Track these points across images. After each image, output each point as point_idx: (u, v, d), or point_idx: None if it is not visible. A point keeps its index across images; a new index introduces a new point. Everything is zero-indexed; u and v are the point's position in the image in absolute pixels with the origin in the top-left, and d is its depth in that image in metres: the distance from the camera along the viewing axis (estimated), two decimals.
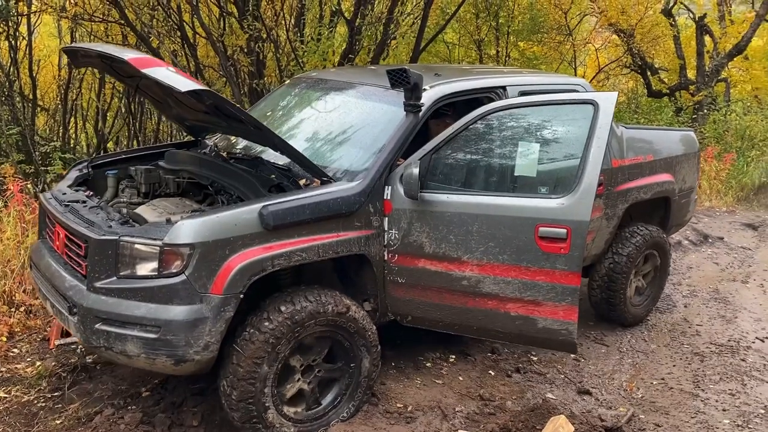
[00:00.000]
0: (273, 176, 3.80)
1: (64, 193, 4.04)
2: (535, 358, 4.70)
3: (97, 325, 3.23)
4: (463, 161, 3.90)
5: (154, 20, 10.43)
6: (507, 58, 15.10)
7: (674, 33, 14.25)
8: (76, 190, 4.11)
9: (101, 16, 10.56)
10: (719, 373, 4.66)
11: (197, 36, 11.19)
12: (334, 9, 9.60)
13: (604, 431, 3.77)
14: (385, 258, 3.79)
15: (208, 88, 3.26)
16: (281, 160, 3.93)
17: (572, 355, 4.79)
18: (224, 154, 4.31)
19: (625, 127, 5.24)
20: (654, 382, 4.51)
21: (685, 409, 4.15)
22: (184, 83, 3.13)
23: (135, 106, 12.41)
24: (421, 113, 3.90)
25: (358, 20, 9.07)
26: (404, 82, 3.74)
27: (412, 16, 10.82)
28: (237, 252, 3.21)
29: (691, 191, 5.95)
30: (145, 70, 3.16)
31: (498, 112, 3.90)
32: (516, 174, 3.90)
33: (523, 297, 3.75)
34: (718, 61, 13.97)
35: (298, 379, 3.53)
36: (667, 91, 14.77)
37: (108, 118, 13.21)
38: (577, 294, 3.70)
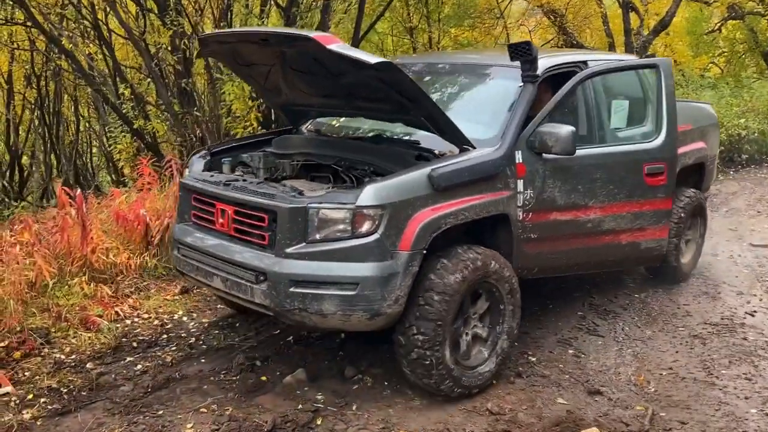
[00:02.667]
0: (402, 149, 4.04)
1: (212, 175, 4.13)
2: (533, 359, 4.32)
3: (291, 289, 3.41)
4: (572, 121, 4.26)
5: (66, 20, 9.51)
6: (439, 45, 14.79)
7: (602, 12, 14.27)
8: (211, 175, 4.15)
9: (3, 19, 9.58)
10: (726, 356, 4.40)
11: (114, 36, 10.33)
12: None
13: None
14: (519, 217, 4.02)
15: (391, 61, 3.62)
16: (405, 135, 4.24)
17: (570, 352, 4.44)
18: (334, 136, 4.66)
19: None
20: (663, 373, 4.19)
21: (706, 401, 3.84)
22: (369, 56, 3.40)
23: (50, 117, 11.37)
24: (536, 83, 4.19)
25: (293, 8, 8.51)
26: (526, 54, 4.01)
27: (346, 2, 10.32)
28: (417, 211, 3.46)
29: (715, 158, 6.27)
30: (330, 46, 3.34)
31: (590, 78, 4.50)
32: (615, 126, 4.69)
33: (633, 227, 4.70)
34: (645, 38, 14.09)
35: (462, 330, 3.76)
36: None
37: (20, 131, 12.08)
38: (670, 214, 4.92)
